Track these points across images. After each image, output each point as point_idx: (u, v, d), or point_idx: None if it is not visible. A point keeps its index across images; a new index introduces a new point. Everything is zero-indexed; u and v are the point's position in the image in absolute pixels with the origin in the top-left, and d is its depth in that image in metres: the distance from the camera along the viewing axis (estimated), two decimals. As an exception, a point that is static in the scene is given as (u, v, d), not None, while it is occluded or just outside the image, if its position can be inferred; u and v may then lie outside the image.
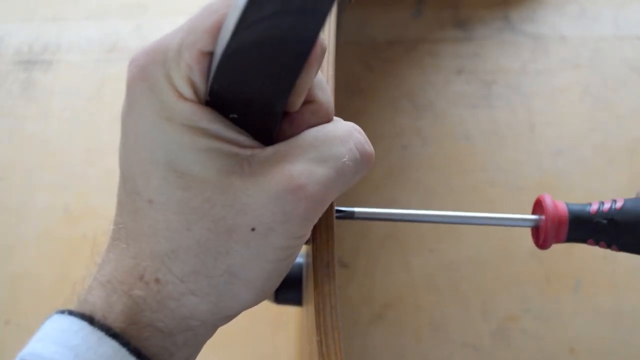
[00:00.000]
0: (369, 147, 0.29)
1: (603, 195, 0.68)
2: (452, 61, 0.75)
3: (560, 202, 0.34)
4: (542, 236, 0.34)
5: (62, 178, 0.71)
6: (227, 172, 0.26)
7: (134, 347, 0.26)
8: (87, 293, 0.27)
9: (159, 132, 0.26)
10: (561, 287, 0.63)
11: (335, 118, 0.30)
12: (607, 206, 0.34)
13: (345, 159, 0.28)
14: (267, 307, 0.54)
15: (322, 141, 0.28)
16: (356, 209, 0.34)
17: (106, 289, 0.27)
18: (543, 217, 0.34)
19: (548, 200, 0.34)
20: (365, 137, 0.30)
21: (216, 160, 0.26)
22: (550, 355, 0.61)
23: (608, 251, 0.35)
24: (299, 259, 0.48)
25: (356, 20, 0.78)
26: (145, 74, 0.27)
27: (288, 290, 0.47)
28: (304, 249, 0.35)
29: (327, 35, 0.35)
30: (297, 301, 0.49)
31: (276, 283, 0.29)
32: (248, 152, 0.27)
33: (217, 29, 0.26)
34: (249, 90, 0.26)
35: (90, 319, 0.26)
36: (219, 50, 0.25)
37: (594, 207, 0.34)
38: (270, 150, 0.27)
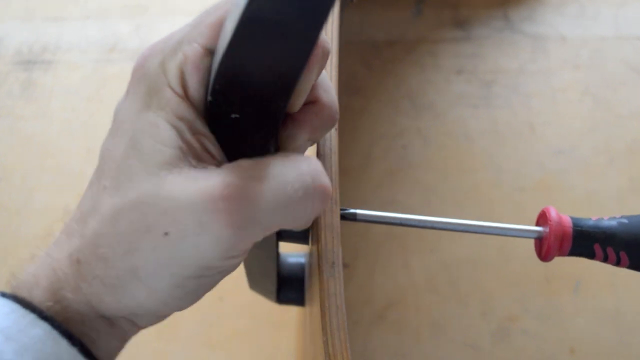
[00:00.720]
0: (325, 179, 0.26)
1: (603, 195, 0.68)
2: (452, 61, 0.75)
3: (565, 216, 0.34)
4: (545, 249, 0.34)
5: (62, 178, 0.71)
6: (169, 165, 0.25)
7: (65, 330, 0.25)
8: (24, 271, 0.27)
9: (138, 116, 0.26)
10: (561, 287, 0.63)
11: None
12: (612, 223, 0.34)
13: (291, 183, 0.25)
14: (269, 307, 0.54)
15: (271, 161, 0.26)
16: (358, 211, 0.34)
17: (38, 264, 0.27)
18: (547, 229, 0.34)
19: (553, 213, 0.34)
20: (325, 173, 0.27)
21: (166, 151, 0.25)
22: (550, 355, 0.61)
23: (609, 252, 0.35)
24: (301, 259, 0.48)
25: (356, 20, 0.78)
26: (144, 63, 0.27)
27: (290, 290, 0.48)
28: (306, 248, 0.35)
29: (330, 37, 0.35)
30: (300, 301, 0.49)
31: (187, 300, 0.27)
32: (205, 157, 0.26)
33: (219, 25, 0.26)
34: (250, 89, 0.25)
35: (22, 301, 0.26)
36: (221, 48, 0.25)
37: (599, 222, 0.34)
38: (227, 164, 0.26)
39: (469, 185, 0.68)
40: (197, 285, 0.26)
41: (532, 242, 0.36)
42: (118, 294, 0.26)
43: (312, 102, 0.28)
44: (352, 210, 0.34)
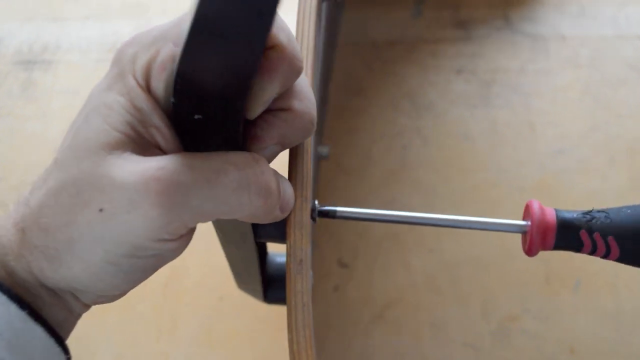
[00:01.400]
0: (268, 177, 0.28)
1: (603, 195, 0.68)
2: (452, 61, 0.75)
3: (549, 209, 0.34)
4: (528, 242, 0.34)
5: (62, 178, 0.71)
6: (111, 148, 0.26)
7: (14, 294, 0.27)
8: None
9: (99, 95, 0.28)
10: (561, 287, 0.63)
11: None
12: (598, 214, 0.33)
13: (225, 173, 0.26)
14: (269, 307, 0.54)
15: (213, 154, 0.27)
16: (338, 208, 0.34)
17: None
18: (529, 222, 0.33)
19: (535, 206, 0.33)
20: (271, 173, 0.28)
21: (112, 134, 0.26)
22: (550, 355, 0.61)
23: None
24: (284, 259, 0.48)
25: (356, 20, 0.78)
26: (123, 48, 0.28)
27: (278, 289, 0.47)
28: (283, 248, 0.35)
29: (306, 45, 0.34)
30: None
31: (123, 280, 0.28)
32: (152, 150, 0.27)
33: None
34: (207, 91, 0.26)
35: None
36: (179, 50, 0.25)
37: (584, 215, 0.33)
38: (171, 154, 0.27)
39: (469, 185, 0.68)
40: (130, 266, 0.27)
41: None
42: (55, 265, 0.27)
43: (285, 109, 0.29)
44: (332, 208, 0.34)
